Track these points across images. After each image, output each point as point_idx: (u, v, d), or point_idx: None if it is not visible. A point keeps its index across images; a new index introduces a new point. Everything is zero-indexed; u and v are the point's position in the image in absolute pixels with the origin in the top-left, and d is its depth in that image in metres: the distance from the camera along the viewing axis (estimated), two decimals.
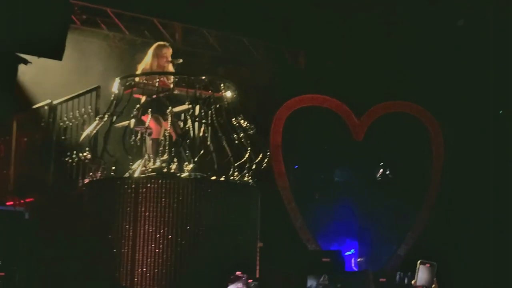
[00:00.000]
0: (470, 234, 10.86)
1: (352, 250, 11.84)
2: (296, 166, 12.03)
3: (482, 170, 11.08)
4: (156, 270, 6.60)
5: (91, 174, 7.20)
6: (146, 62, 7.53)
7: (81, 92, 8.13)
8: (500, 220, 10.83)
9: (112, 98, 7.19)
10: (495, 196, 10.97)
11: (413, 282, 3.45)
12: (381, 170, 12.13)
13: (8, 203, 8.64)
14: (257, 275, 7.15)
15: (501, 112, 11.44)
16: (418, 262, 3.47)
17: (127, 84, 7.19)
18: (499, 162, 11.01)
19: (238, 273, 4.10)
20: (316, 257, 9.82)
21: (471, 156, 11.26)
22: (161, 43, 7.71)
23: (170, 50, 7.63)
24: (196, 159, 6.98)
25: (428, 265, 3.47)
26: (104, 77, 9.00)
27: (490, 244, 10.64)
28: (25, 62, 5.58)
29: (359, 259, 11.73)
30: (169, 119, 7.05)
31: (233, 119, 7.28)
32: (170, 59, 7.54)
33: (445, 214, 11.44)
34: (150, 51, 7.56)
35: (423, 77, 11.49)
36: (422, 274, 3.47)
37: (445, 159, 11.95)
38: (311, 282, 9.32)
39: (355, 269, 11.65)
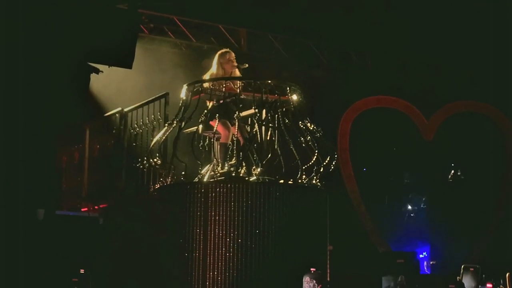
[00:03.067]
0: None
1: (424, 253, 11.62)
2: (365, 169, 11.91)
3: None
4: (227, 274, 6.65)
5: (161, 179, 7.32)
6: (213, 71, 7.61)
7: (150, 99, 8.27)
8: None
9: (180, 104, 7.30)
10: None
11: (458, 278, 3.42)
12: (452, 171, 11.87)
13: (82, 210, 8.88)
14: (328, 279, 7.10)
15: None
16: (462, 266, 3.45)
17: (195, 90, 7.29)
18: None
19: (312, 269, 4.11)
20: (390, 259, 9.68)
21: None
22: (224, 50, 7.77)
23: (233, 54, 7.68)
24: (264, 163, 7.00)
25: (472, 269, 3.44)
26: (173, 83, 9.15)
27: None
28: (97, 71, 5.72)
29: (431, 262, 11.51)
30: (237, 123, 7.09)
31: (300, 122, 7.27)
32: (235, 63, 7.60)
33: None
34: (215, 60, 7.65)
35: (494, 76, 11.20)
36: (466, 278, 3.45)
37: None
38: (386, 283, 9.17)
39: (428, 272, 11.44)
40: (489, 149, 11.62)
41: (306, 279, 5.24)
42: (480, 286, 3.36)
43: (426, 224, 11.74)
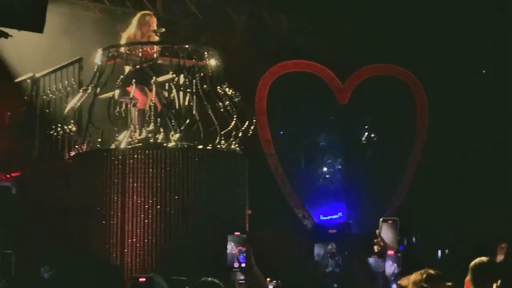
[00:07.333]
0: (454, 194, 10.97)
1: (340, 214, 11.93)
2: (282, 132, 12.05)
3: (465, 131, 11.16)
4: (145, 240, 6.63)
5: (76, 146, 7.17)
6: (130, 31, 7.45)
7: (63, 64, 8.04)
8: (482, 178, 10.97)
9: (95, 70, 7.13)
10: (478, 156, 11.09)
11: (377, 231, 3.52)
12: (366, 133, 12.17)
13: None
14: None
15: (484, 71, 11.49)
16: (381, 220, 3.56)
17: (110, 55, 7.14)
18: (481, 122, 11.11)
19: (236, 233, 4.11)
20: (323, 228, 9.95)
21: (455, 117, 11.32)
22: (146, 11, 7.65)
23: (155, 19, 7.56)
24: (182, 129, 6.96)
25: (390, 221, 3.57)
26: (86, 48, 8.90)
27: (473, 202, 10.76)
28: (6, 35, 5.51)
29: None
30: (154, 89, 7.01)
31: (218, 87, 7.25)
32: (154, 27, 7.47)
33: (429, 176, 11.52)
34: (135, 20, 7.49)
35: (407, 39, 11.45)
36: (385, 231, 3.56)
37: (429, 120, 12.01)
38: (317, 250, 9.38)
39: None
40: (402, 110, 11.95)
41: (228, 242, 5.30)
42: (398, 238, 3.48)
43: (341, 185, 12.03)
